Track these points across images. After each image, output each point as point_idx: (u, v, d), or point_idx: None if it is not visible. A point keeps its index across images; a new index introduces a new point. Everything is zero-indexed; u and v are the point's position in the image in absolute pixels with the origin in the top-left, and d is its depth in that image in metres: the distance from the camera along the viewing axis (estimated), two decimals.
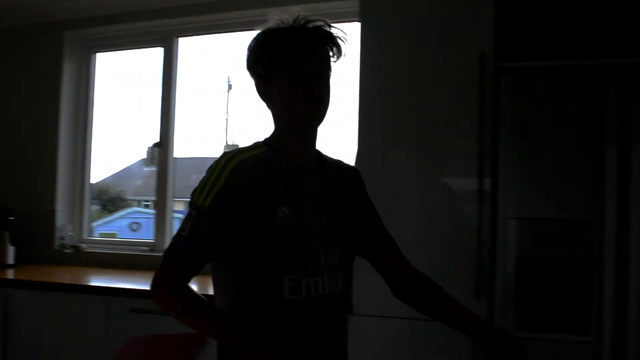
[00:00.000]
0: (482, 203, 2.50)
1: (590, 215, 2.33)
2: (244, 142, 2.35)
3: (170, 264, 1.45)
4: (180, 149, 4.02)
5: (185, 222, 1.46)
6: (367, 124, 2.72)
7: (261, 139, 1.59)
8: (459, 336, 1.60)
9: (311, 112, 1.50)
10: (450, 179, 2.64)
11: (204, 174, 1.49)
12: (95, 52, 4.25)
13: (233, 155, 1.49)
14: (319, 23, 1.50)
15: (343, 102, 3.31)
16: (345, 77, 3.29)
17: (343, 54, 1.54)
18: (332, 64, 1.54)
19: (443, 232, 2.59)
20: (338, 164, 1.68)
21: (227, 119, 4.22)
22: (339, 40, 1.52)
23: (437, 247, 2.56)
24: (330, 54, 1.52)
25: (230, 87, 4.30)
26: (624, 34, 2.52)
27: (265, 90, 1.54)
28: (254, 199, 1.44)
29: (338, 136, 3.57)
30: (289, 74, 1.48)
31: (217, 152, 3.57)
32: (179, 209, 4.10)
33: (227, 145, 4.12)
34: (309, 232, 1.49)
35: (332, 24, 1.52)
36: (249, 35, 1.56)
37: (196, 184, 1.49)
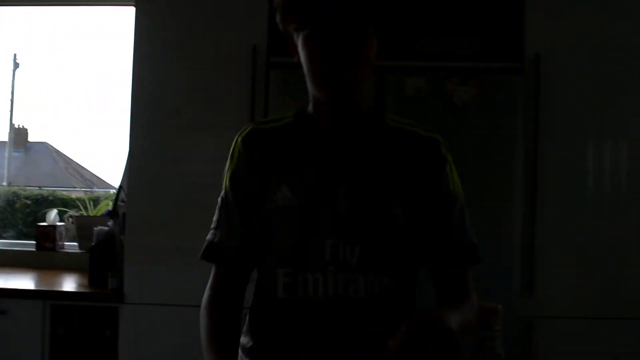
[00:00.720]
0: None
1: None
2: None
3: (213, 263, 1.31)
4: None
5: (215, 214, 1.32)
6: (140, 111, 2.69)
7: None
8: None
9: (327, 90, 1.20)
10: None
11: None
12: None
13: (246, 127, 1.30)
14: None
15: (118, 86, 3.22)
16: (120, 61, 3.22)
17: None
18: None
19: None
20: (402, 134, 1.29)
21: (12, 100, 3.91)
22: None
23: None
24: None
25: (17, 65, 3.98)
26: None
27: (295, 49, 1.23)
28: (258, 177, 1.26)
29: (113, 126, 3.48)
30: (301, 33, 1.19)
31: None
32: None
33: (12, 128, 3.81)
34: (312, 219, 1.22)
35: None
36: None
37: None
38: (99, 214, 3.60)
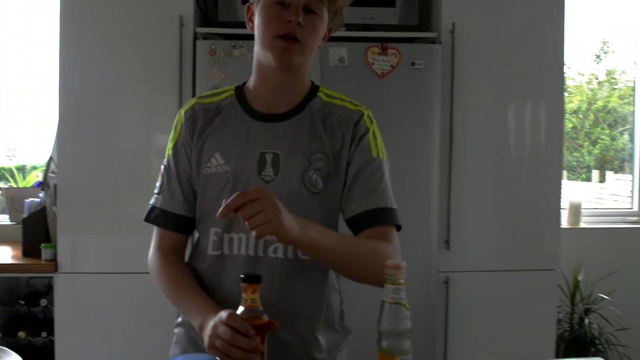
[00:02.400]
0: None
1: None
2: None
3: (150, 222, 1.42)
4: None
5: (158, 180, 1.43)
6: (68, 81, 2.69)
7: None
8: None
9: (279, 51, 1.30)
10: (156, 136, 2.73)
11: None
12: None
13: (190, 101, 1.44)
14: None
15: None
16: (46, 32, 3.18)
17: None
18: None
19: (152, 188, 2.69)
20: (330, 108, 1.40)
21: None
22: None
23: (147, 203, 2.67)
24: None
25: None
26: None
27: (251, 17, 1.38)
28: (197, 147, 1.38)
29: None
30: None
31: None
32: None
33: None
34: (239, 185, 1.33)
35: None
36: None
37: None
38: (28, 186, 3.58)
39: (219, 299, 1.30)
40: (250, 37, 2.58)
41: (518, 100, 2.83)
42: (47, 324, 2.86)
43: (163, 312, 2.62)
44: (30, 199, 2.98)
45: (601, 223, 3.69)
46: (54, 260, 2.67)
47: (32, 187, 3.46)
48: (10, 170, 3.89)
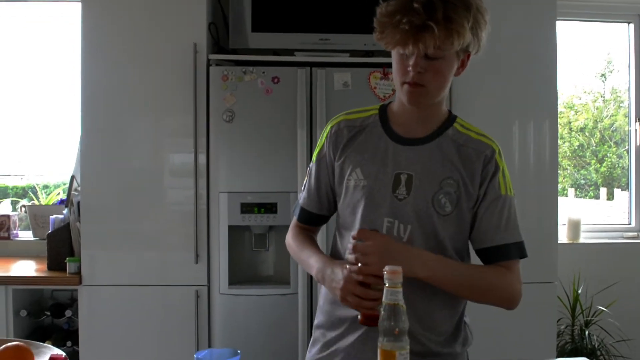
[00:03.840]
0: (197, 178, 2.83)
1: (287, 188, 2.78)
2: None
3: (295, 215, 1.69)
4: None
5: (305, 179, 1.67)
6: (89, 105, 2.85)
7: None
8: None
9: (407, 94, 1.45)
10: (173, 156, 2.89)
11: None
12: None
13: (337, 116, 1.61)
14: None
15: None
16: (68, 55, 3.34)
17: (460, 35, 1.35)
18: (453, 44, 1.36)
19: (166, 205, 2.86)
20: (466, 139, 1.52)
21: None
22: (449, 22, 1.33)
23: (162, 219, 2.83)
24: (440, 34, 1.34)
25: None
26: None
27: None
28: (340, 160, 1.55)
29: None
30: (395, 50, 1.43)
31: None
32: None
33: None
34: (374, 200, 1.50)
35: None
36: None
37: None
38: (50, 203, 3.74)
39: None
40: (260, 64, 2.81)
41: (514, 121, 2.97)
42: (71, 334, 3.02)
43: (181, 322, 2.80)
44: (55, 215, 3.14)
45: (600, 238, 3.79)
46: (78, 273, 2.83)
47: (53, 204, 3.62)
48: (33, 189, 4.05)
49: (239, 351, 1.14)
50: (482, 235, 1.51)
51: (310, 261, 1.55)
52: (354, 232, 1.42)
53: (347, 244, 1.48)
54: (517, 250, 1.53)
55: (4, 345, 1.19)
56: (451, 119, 1.56)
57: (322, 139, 1.62)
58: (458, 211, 1.48)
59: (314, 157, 1.64)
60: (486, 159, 1.50)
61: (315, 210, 1.65)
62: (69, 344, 2.97)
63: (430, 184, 1.48)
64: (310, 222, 1.69)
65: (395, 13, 1.36)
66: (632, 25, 3.87)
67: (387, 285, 1.26)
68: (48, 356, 1.16)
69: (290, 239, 1.69)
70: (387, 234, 1.47)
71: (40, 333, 3.07)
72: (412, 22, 1.33)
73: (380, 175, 1.50)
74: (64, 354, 1.20)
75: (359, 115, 1.59)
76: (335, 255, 1.61)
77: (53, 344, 2.88)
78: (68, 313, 3.02)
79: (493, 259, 1.51)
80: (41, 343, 1.29)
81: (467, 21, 1.35)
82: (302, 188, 1.68)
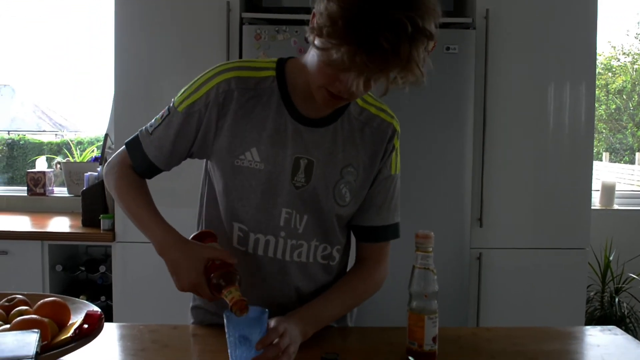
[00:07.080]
0: None
1: None
2: None
3: (129, 152, 1.39)
4: None
5: (157, 119, 1.38)
6: (124, 65, 2.87)
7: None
8: None
9: (321, 100, 1.23)
10: None
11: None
12: None
13: (227, 68, 1.32)
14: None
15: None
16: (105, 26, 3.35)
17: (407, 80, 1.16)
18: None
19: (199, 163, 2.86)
20: (366, 116, 1.38)
21: None
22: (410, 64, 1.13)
23: (195, 177, 2.84)
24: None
25: None
26: None
27: (312, 40, 1.21)
28: (222, 127, 1.31)
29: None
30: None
31: None
32: None
33: None
34: (271, 187, 1.32)
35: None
36: None
37: None
38: (85, 160, 3.81)
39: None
40: (293, 22, 2.78)
41: (550, 83, 2.90)
42: (105, 289, 3.10)
43: None
44: (89, 173, 3.19)
45: (634, 205, 3.73)
46: (111, 230, 2.89)
47: (88, 161, 3.68)
48: (67, 145, 4.12)
49: (266, 310, 1.15)
50: (363, 214, 1.43)
51: (151, 225, 1.33)
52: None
53: (235, 222, 1.36)
54: (392, 233, 1.46)
55: (41, 301, 1.22)
56: None
57: (201, 91, 1.32)
58: (355, 200, 1.39)
59: (180, 105, 1.34)
60: (386, 140, 1.39)
61: (161, 166, 1.39)
62: (102, 298, 3.05)
63: (331, 172, 1.34)
64: (146, 174, 1.41)
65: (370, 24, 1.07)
66: None
67: (418, 249, 1.27)
68: (84, 312, 1.18)
69: (119, 180, 1.38)
70: (285, 225, 1.34)
71: (75, 287, 3.16)
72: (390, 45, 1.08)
73: (279, 159, 1.31)
74: (99, 310, 1.22)
75: (252, 73, 1.32)
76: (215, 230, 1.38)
77: (87, 299, 2.98)
78: (102, 268, 3.09)
79: (366, 239, 1.45)
80: (77, 299, 1.32)
81: (424, 59, 1.17)
82: (150, 130, 1.38)
